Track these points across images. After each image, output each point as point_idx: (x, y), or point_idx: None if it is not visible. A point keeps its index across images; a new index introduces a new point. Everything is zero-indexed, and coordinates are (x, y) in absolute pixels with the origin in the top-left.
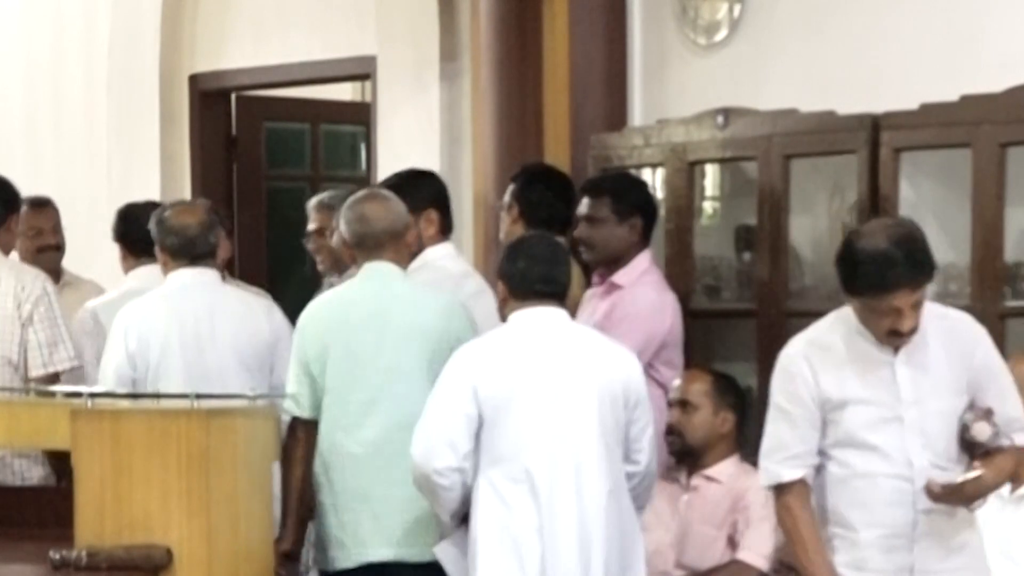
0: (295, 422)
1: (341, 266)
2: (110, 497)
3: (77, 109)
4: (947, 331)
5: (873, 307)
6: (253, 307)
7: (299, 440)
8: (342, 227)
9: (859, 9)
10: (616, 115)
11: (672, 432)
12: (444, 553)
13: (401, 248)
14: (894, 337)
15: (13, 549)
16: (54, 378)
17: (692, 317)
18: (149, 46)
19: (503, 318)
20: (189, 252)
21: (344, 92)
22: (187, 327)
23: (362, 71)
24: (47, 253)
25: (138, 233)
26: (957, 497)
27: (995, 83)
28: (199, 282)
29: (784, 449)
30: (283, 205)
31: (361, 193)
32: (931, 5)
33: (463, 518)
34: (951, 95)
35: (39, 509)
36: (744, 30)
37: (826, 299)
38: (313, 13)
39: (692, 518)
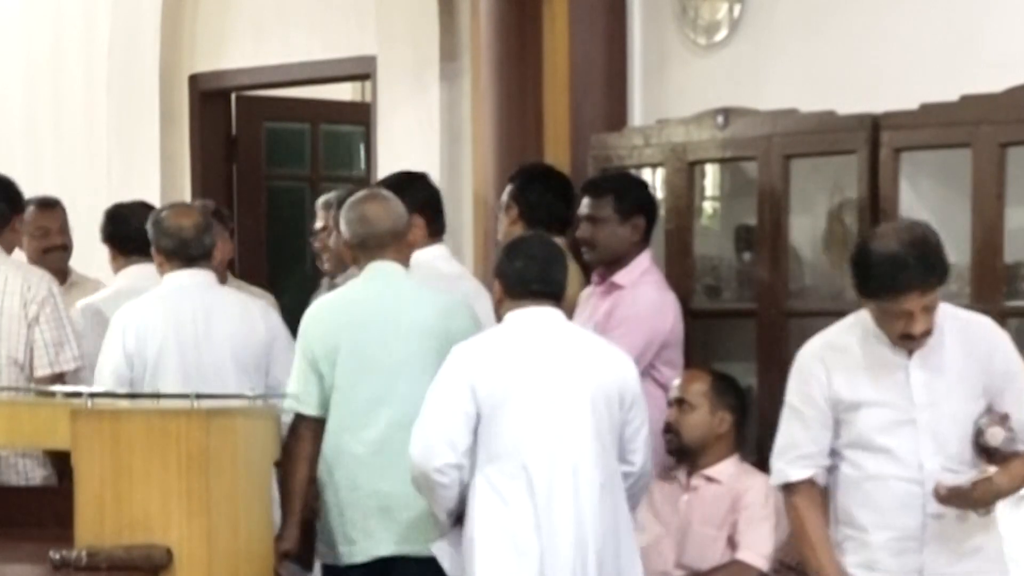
0: (300, 421)
1: (344, 265)
2: (110, 497)
3: (77, 109)
4: (965, 334)
5: (885, 309)
6: (249, 308)
7: (304, 439)
8: (343, 228)
9: (859, 9)
10: (616, 115)
11: (669, 430)
12: (441, 551)
13: (403, 248)
14: (907, 340)
15: (13, 549)
16: (59, 378)
17: (692, 317)
18: (149, 46)
19: (499, 317)
20: (184, 254)
21: (344, 92)
22: (184, 328)
23: (362, 71)
24: (54, 253)
25: (127, 232)
26: (963, 500)
27: (995, 83)
28: (195, 283)
29: (795, 449)
30: (283, 205)
31: (361, 194)
32: (931, 5)
33: (458, 516)
34: (951, 95)
35: (39, 509)
36: (744, 30)
37: (826, 299)
38: (313, 13)
39: (692, 518)
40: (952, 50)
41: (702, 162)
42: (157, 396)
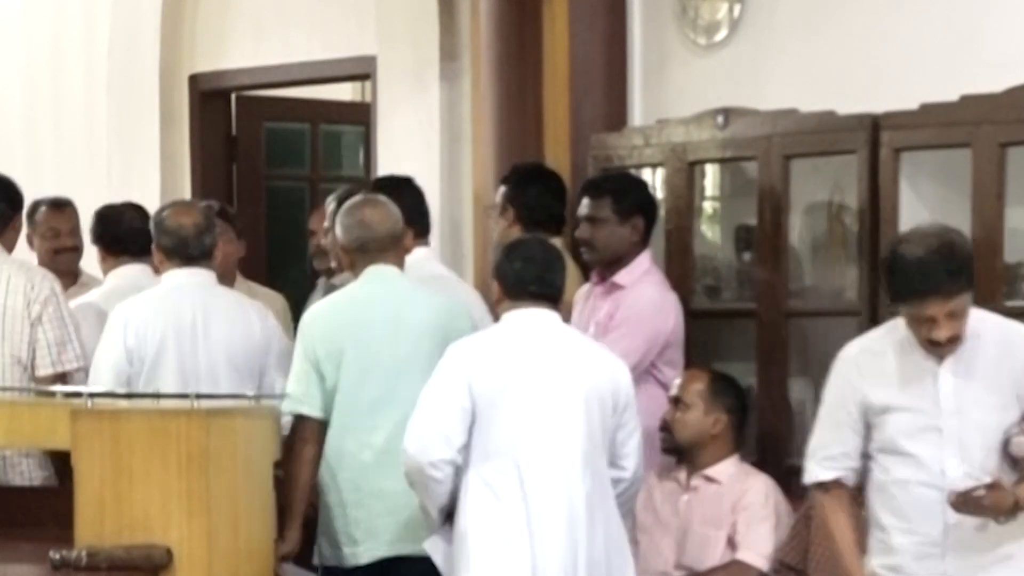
0: (302, 423)
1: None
2: (110, 497)
3: (77, 109)
4: (1006, 344)
5: (911, 314)
6: (247, 309)
7: (308, 441)
8: (340, 233)
9: (859, 9)
10: (616, 115)
11: (665, 428)
12: (434, 547)
13: (400, 252)
14: (933, 346)
15: (13, 549)
16: (62, 378)
17: (692, 317)
18: (149, 46)
19: (497, 317)
20: (184, 253)
21: (344, 92)
22: (183, 326)
23: (362, 71)
24: (64, 254)
25: (116, 233)
26: (975, 507)
27: (995, 83)
28: (193, 282)
29: (823, 449)
30: (283, 205)
31: (358, 199)
32: (931, 5)
33: (448, 514)
34: (951, 95)
35: (39, 509)
36: (744, 30)
37: (826, 299)
38: (313, 13)
39: (692, 518)
40: (952, 50)
41: (702, 162)
42: (157, 396)
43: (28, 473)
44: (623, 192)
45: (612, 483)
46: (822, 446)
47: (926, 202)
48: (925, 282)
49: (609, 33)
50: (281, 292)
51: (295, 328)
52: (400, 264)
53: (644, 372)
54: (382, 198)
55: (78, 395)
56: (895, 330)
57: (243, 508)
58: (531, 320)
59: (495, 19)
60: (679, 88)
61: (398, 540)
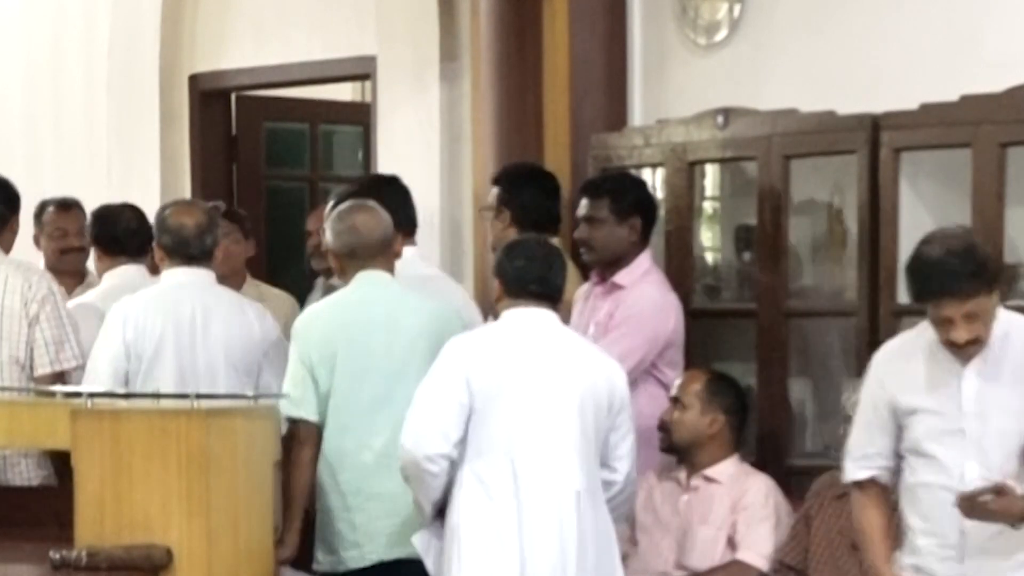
0: (299, 427)
1: None
2: (110, 497)
3: (77, 109)
4: None
5: (931, 315)
6: (246, 310)
7: (305, 444)
8: (331, 239)
9: (859, 9)
10: (616, 115)
11: (663, 428)
12: (423, 542)
13: (390, 256)
14: (953, 347)
15: (13, 549)
16: (60, 377)
17: (692, 317)
18: (149, 46)
19: (495, 315)
20: (183, 252)
21: (344, 92)
22: (182, 324)
23: (362, 71)
24: (71, 254)
25: (113, 234)
26: (982, 512)
27: (995, 83)
28: (192, 281)
29: (856, 449)
30: (283, 205)
31: (348, 204)
32: (931, 5)
33: (440, 509)
34: (951, 95)
35: (39, 509)
36: (744, 30)
37: (826, 299)
38: (313, 13)
39: (692, 518)
40: (952, 50)
41: (702, 162)
42: (157, 396)
43: (27, 472)
44: (621, 192)
45: (604, 485)
46: (857, 446)
47: (926, 202)
48: (940, 282)
49: (609, 33)
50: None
51: None
52: (390, 269)
53: (645, 372)
54: (372, 203)
55: (78, 395)
56: (926, 331)
57: (243, 508)
58: (530, 319)
59: (495, 19)
60: (679, 88)
61: (396, 543)
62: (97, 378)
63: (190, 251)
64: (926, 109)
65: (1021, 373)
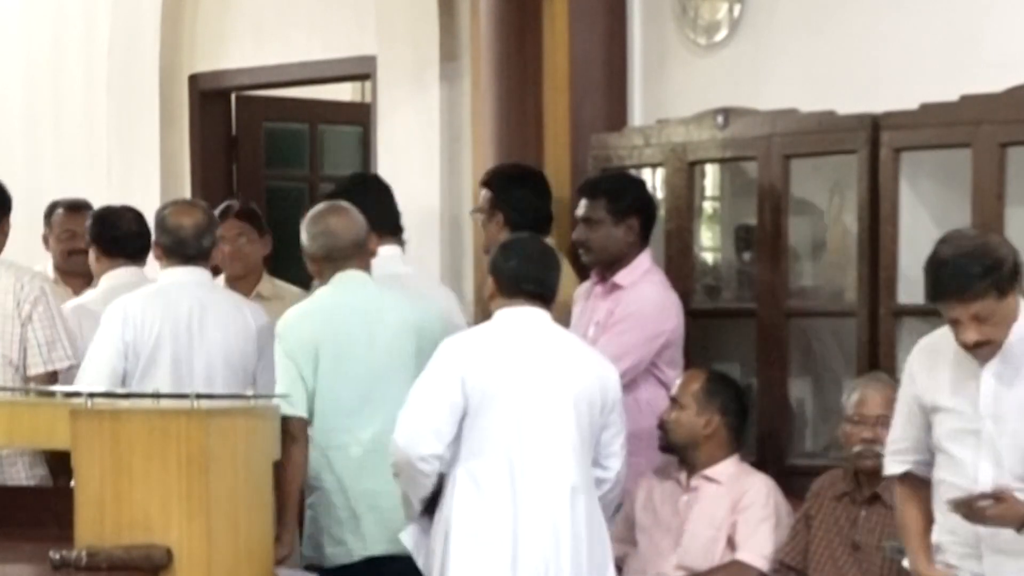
0: (293, 424)
1: None
2: (110, 497)
3: (77, 109)
4: None
5: (945, 315)
6: (244, 311)
7: (299, 441)
8: (306, 241)
9: (859, 9)
10: (616, 115)
11: (661, 427)
12: (412, 540)
13: (365, 256)
14: (965, 348)
15: (13, 549)
16: (53, 376)
17: (692, 317)
18: (149, 46)
19: (488, 314)
20: (181, 252)
21: (344, 92)
22: (179, 323)
23: (362, 71)
24: (79, 256)
25: (113, 236)
26: (979, 517)
27: (995, 83)
28: (190, 281)
29: (894, 443)
30: (283, 205)
31: (322, 206)
32: (931, 5)
33: (427, 505)
34: (951, 95)
35: (39, 509)
36: (744, 30)
37: (826, 299)
38: (313, 13)
39: (692, 518)
40: (952, 50)
41: (702, 162)
42: (157, 396)
43: (23, 472)
44: (618, 193)
45: (596, 483)
46: (893, 440)
47: (926, 202)
48: (946, 283)
49: (609, 33)
50: None
51: None
52: (366, 268)
53: (645, 372)
54: (345, 205)
55: (78, 395)
56: None
57: (243, 508)
58: (524, 318)
59: (495, 19)
60: (679, 88)
61: (384, 539)
62: (96, 377)
63: (187, 251)
64: (926, 109)
65: None
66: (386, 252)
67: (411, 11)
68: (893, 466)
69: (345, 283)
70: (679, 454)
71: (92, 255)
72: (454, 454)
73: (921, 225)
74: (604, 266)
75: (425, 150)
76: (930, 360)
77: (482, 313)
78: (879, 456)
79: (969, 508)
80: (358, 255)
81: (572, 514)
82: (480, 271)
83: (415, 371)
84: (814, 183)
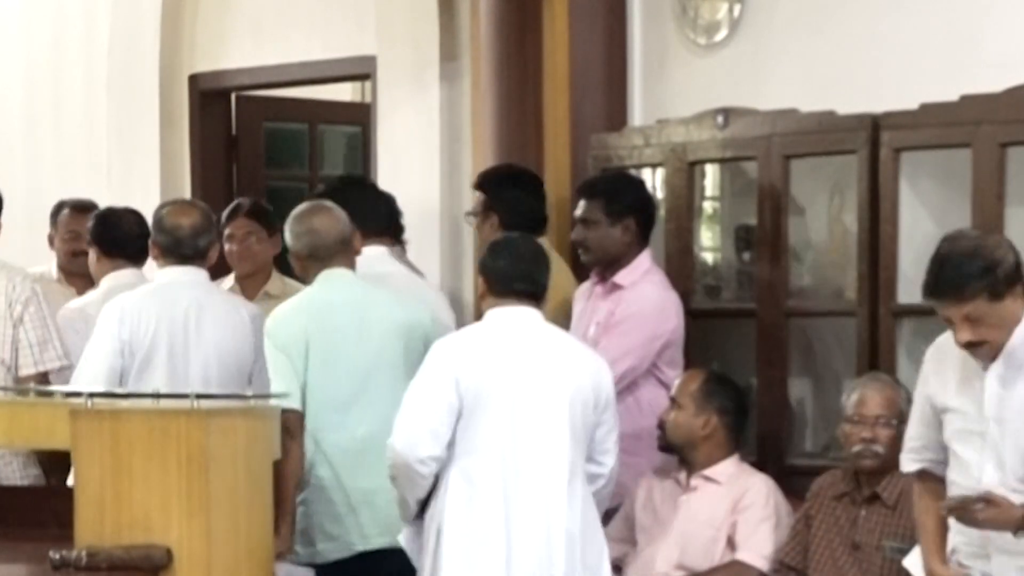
0: (289, 418)
1: None
2: (110, 497)
3: (77, 109)
4: None
5: (939, 314)
6: (240, 312)
7: (296, 436)
8: (290, 240)
9: (859, 9)
10: (616, 115)
11: (660, 427)
12: (410, 542)
13: (350, 254)
14: (962, 348)
15: (13, 549)
16: (44, 377)
17: (692, 317)
18: (149, 46)
19: (479, 313)
20: (177, 252)
21: (344, 92)
22: (176, 322)
23: (362, 71)
24: (83, 257)
25: (114, 237)
26: (971, 520)
27: (995, 83)
28: (186, 280)
29: (909, 441)
30: (283, 205)
31: (305, 206)
32: (931, 5)
33: (422, 506)
34: (951, 95)
35: (39, 509)
36: (744, 30)
37: (826, 299)
38: (313, 13)
39: (692, 518)
40: (952, 50)
41: (702, 162)
42: (157, 396)
43: (18, 472)
44: (615, 194)
45: (591, 478)
46: (909, 439)
47: (926, 202)
48: (939, 282)
49: (609, 33)
50: None
51: None
52: (351, 267)
53: (646, 372)
54: (328, 204)
55: (78, 395)
56: None
57: (243, 508)
58: (515, 318)
59: (495, 19)
60: (679, 88)
61: (376, 534)
62: (94, 375)
63: (184, 251)
64: (926, 109)
65: None
66: (371, 252)
67: (411, 11)
68: (909, 464)
69: (332, 280)
70: (678, 454)
71: (92, 256)
72: (449, 454)
73: (921, 225)
74: (604, 266)
75: (425, 150)
76: (939, 360)
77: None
78: (878, 456)
79: (962, 511)
80: (343, 253)
81: (566, 514)
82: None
83: (404, 368)
84: (814, 183)
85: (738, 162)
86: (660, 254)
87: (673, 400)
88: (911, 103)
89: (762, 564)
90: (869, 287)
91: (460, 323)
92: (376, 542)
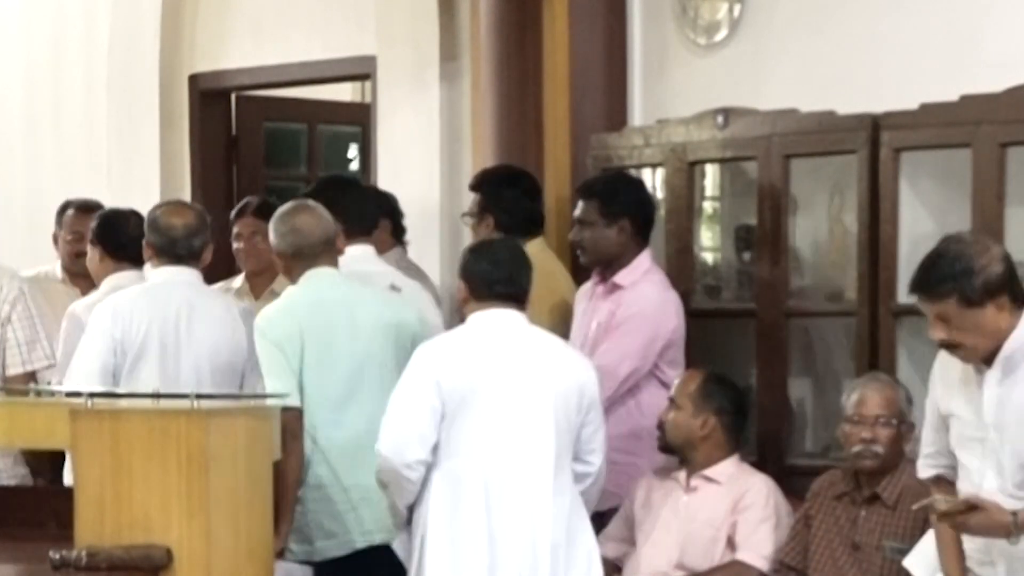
0: (289, 416)
1: None
2: (110, 497)
3: (77, 109)
4: None
5: None
6: (233, 313)
7: (297, 433)
8: (275, 240)
9: (859, 9)
10: (616, 115)
11: (660, 428)
12: (402, 547)
13: (334, 254)
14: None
15: (13, 549)
16: (31, 376)
17: (692, 317)
18: (149, 46)
19: (462, 318)
20: (171, 252)
21: (344, 92)
22: (168, 322)
23: (362, 71)
24: (86, 257)
25: (119, 239)
26: (961, 527)
27: (995, 83)
28: (179, 280)
29: (924, 447)
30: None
31: (289, 206)
32: (931, 5)
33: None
34: (951, 95)
35: (39, 509)
36: (744, 30)
37: (826, 299)
38: (313, 13)
39: (692, 518)
40: (952, 50)
41: (702, 162)
42: (157, 396)
43: (7, 472)
44: (610, 194)
45: (578, 477)
46: (923, 444)
47: (926, 202)
48: (916, 278)
49: (609, 33)
50: None
51: None
52: (335, 266)
53: (647, 372)
54: (312, 203)
55: (78, 395)
56: None
57: (243, 508)
58: (497, 320)
59: (495, 19)
60: (679, 88)
61: (376, 530)
62: (88, 373)
63: (177, 251)
64: (926, 109)
65: None
66: (356, 252)
67: (411, 11)
68: (924, 470)
69: (319, 279)
70: (678, 454)
71: (95, 255)
72: (434, 458)
73: (921, 225)
74: (603, 266)
75: (425, 150)
76: (944, 366)
77: None
78: (878, 456)
79: (952, 519)
80: (327, 253)
81: (551, 517)
82: None
83: (394, 365)
84: (814, 183)
85: (738, 162)
86: (660, 254)
87: (672, 401)
88: (911, 103)
89: (762, 564)
90: (869, 287)
91: (459, 324)
92: (377, 538)
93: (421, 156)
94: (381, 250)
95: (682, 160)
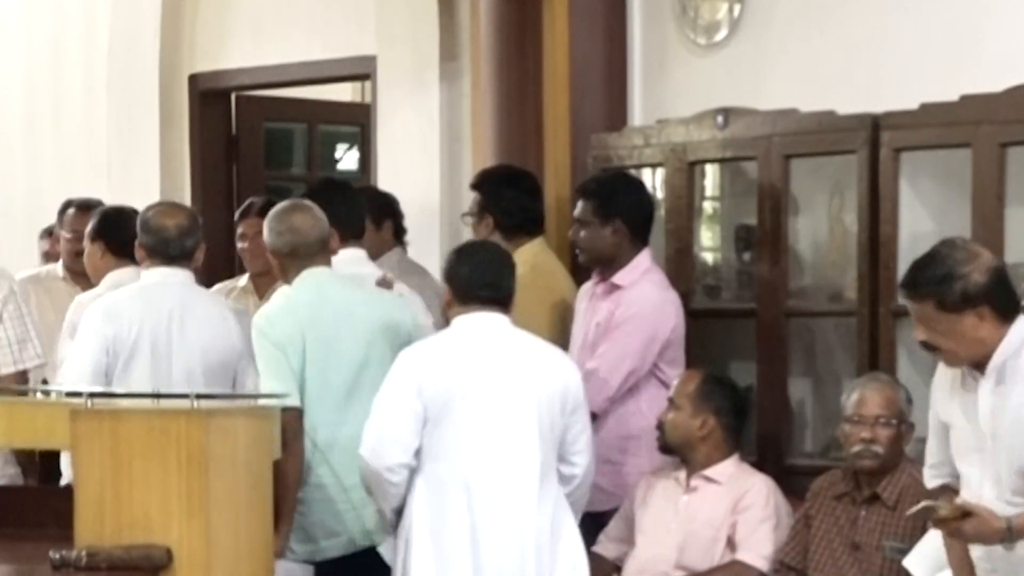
0: (290, 416)
1: None
2: (110, 497)
3: (77, 109)
4: None
5: None
6: (226, 313)
7: (298, 433)
8: (271, 239)
9: (859, 9)
10: (616, 115)
11: (660, 428)
12: (391, 552)
13: (327, 254)
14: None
15: (13, 549)
16: (23, 375)
17: (692, 317)
18: (149, 46)
19: (447, 321)
20: (163, 252)
21: (344, 92)
22: (160, 322)
23: (362, 71)
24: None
25: (121, 238)
26: (956, 533)
27: (995, 83)
28: (172, 281)
29: (928, 457)
30: None
31: (284, 205)
32: (931, 5)
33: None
34: (951, 95)
35: (39, 509)
36: (744, 30)
37: (826, 299)
38: (313, 13)
39: (692, 518)
40: (952, 50)
41: (702, 162)
42: (157, 396)
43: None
44: (606, 195)
45: (564, 479)
46: (927, 454)
47: (926, 202)
48: (903, 278)
49: (609, 33)
50: None
51: None
52: (329, 266)
53: (647, 372)
54: (307, 203)
55: (78, 395)
56: None
57: (243, 508)
58: (481, 324)
59: (495, 19)
60: (679, 88)
61: (379, 530)
62: (81, 372)
63: (170, 252)
64: (926, 109)
65: None
66: (348, 255)
67: (411, 11)
68: (930, 480)
69: (316, 279)
70: (677, 455)
71: (95, 252)
72: (418, 462)
73: (921, 225)
74: (602, 266)
75: (425, 150)
76: (943, 376)
77: None
78: (878, 456)
79: (947, 527)
80: (322, 252)
81: (536, 520)
82: None
83: (391, 366)
84: (814, 183)
85: (738, 162)
86: (660, 254)
87: (671, 401)
88: (911, 103)
89: (762, 564)
90: (869, 287)
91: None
92: (379, 537)
93: (421, 156)
94: (382, 251)
95: (682, 160)
